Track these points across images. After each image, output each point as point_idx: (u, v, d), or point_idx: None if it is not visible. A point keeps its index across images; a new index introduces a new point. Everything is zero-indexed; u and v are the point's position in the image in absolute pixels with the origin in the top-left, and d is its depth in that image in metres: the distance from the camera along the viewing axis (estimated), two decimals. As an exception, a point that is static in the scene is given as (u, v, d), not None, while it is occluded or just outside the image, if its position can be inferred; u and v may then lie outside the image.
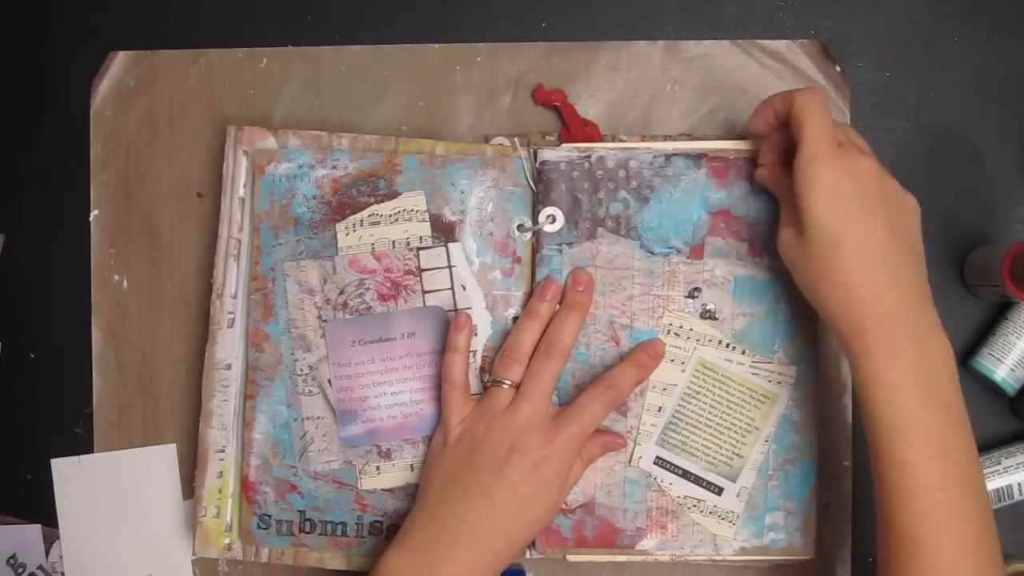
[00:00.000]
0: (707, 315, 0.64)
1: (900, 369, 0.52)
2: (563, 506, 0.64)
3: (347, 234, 0.65)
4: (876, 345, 0.53)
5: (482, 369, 0.64)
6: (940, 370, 0.53)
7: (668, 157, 0.64)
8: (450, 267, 0.65)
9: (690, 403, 0.64)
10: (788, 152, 0.58)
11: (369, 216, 0.65)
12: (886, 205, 0.54)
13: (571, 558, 0.66)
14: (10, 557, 0.70)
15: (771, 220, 0.63)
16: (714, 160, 0.64)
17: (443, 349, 0.63)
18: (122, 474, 0.70)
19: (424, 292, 0.65)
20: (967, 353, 0.67)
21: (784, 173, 0.58)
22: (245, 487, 0.66)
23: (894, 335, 0.53)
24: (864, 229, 0.54)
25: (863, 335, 0.53)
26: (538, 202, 0.64)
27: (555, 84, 0.68)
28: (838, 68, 0.67)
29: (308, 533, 0.66)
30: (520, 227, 0.65)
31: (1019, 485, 0.64)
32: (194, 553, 0.67)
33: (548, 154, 0.64)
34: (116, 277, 0.70)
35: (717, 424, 0.64)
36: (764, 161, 0.61)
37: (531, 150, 0.65)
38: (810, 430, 0.64)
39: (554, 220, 0.64)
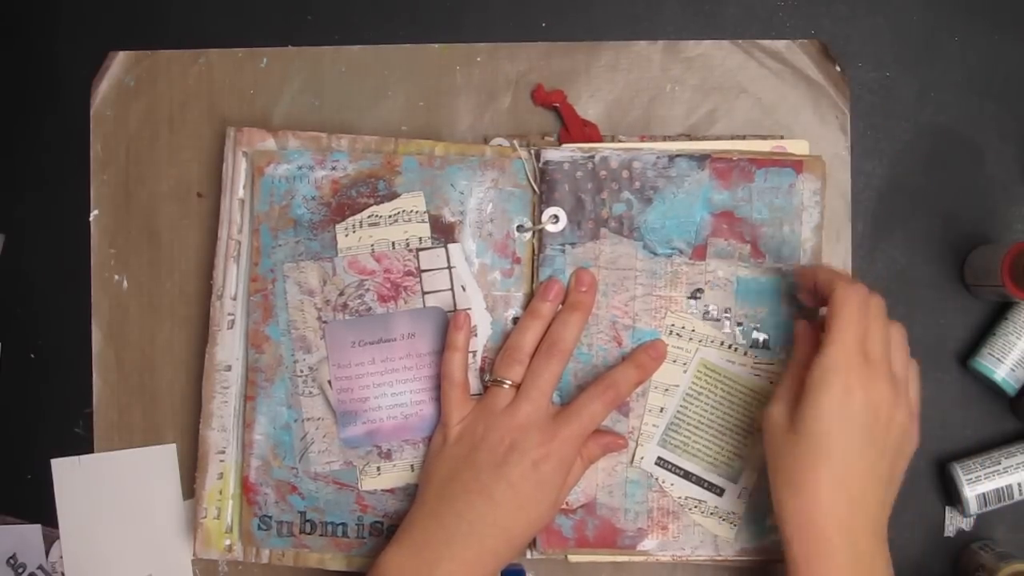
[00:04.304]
0: (709, 316, 0.64)
1: None
2: (564, 506, 0.64)
3: (347, 235, 0.65)
4: (810, 559, 0.53)
5: (482, 369, 0.64)
6: None
7: (672, 158, 0.64)
8: (450, 268, 0.65)
9: (692, 404, 0.64)
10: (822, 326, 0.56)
11: (368, 217, 0.65)
12: (886, 438, 0.54)
13: (572, 558, 0.66)
14: (10, 557, 0.70)
15: (773, 222, 0.63)
16: (717, 161, 0.64)
17: (443, 349, 0.63)
18: (122, 474, 0.70)
19: (424, 293, 0.65)
20: (967, 353, 0.67)
21: (810, 340, 0.58)
22: (246, 488, 0.66)
23: (832, 554, 0.53)
24: (853, 453, 0.53)
25: (805, 544, 0.53)
26: (541, 202, 0.64)
27: (555, 84, 0.68)
28: (838, 68, 0.67)
29: (309, 534, 0.65)
30: (520, 228, 0.65)
31: (1019, 485, 0.64)
32: (194, 555, 0.67)
33: (551, 154, 0.64)
34: (116, 277, 0.70)
35: (719, 425, 0.64)
36: (803, 301, 0.62)
37: (532, 151, 0.65)
38: (811, 431, 0.64)
39: (557, 220, 0.64)
